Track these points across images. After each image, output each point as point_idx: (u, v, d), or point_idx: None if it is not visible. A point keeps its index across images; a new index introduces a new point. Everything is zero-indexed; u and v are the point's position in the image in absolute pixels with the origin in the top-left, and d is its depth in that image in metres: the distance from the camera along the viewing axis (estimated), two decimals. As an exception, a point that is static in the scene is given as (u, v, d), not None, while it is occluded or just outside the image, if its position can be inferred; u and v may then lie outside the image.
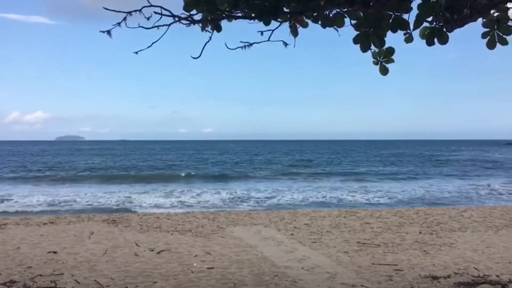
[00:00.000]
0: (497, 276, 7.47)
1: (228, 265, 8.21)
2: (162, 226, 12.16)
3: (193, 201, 22.02)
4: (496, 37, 4.23)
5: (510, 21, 4.21)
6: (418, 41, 4.23)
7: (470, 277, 7.43)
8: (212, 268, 7.98)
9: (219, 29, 4.54)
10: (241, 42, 4.69)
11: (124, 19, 4.24)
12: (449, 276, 7.45)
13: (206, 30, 4.57)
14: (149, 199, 22.61)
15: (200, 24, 4.50)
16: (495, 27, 4.19)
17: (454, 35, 3.98)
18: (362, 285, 6.98)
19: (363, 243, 10.14)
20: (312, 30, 4.62)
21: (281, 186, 29.62)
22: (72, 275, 7.51)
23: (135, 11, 4.24)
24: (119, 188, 28.12)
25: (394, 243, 10.13)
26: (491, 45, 4.27)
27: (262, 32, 4.64)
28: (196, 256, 8.88)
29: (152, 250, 9.34)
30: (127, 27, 4.25)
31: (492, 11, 3.98)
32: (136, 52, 4.67)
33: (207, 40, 4.61)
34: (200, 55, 4.69)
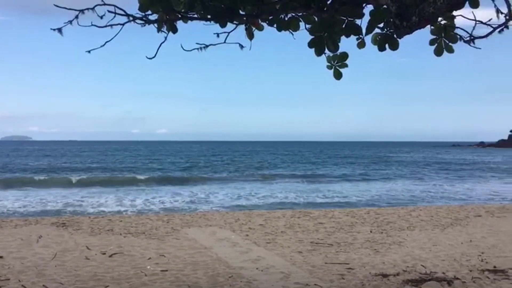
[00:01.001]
0: (443, 273, 7.79)
1: (182, 267, 8.15)
2: (114, 229, 11.90)
3: (148, 203, 21.63)
4: (443, 45, 4.44)
5: (456, 29, 4.44)
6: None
7: (418, 274, 7.72)
8: (166, 270, 7.89)
9: (174, 30, 4.52)
10: (197, 43, 4.70)
11: (76, 17, 4.14)
12: (398, 274, 7.70)
13: (162, 31, 4.54)
14: (101, 201, 22.04)
15: (156, 25, 4.46)
16: (442, 34, 4.40)
17: (406, 41, 4.14)
18: (315, 284, 7.10)
19: (316, 243, 10.32)
20: (268, 31, 4.66)
21: (236, 187, 29.67)
22: (19, 280, 7.22)
23: (88, 9, 4.15)
24: (69, 190, 27.27)
25: (346, 243, 10.37)
26: (438, 52, 4.47)
27: (218, 34, 4.66)
28: (149, 258, 8.75)
29: (104, 253, 9.13)
30: (79, 25, 4.16)
31: (439, 19, 4.18)
32: (89, 51, 4.57)
33: (163, 40, 4.59)
34: (155, 55, 4.65)
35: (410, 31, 3.62)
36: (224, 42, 4.72)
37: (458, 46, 4.39)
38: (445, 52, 4.41)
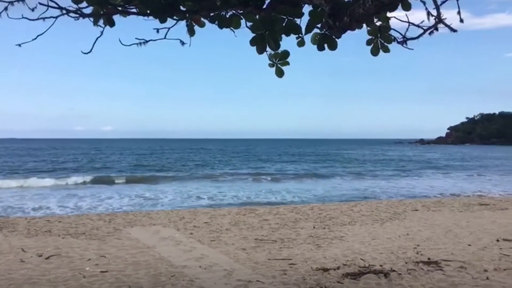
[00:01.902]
0: (381, 265, 8.08)
1: (123, 267, 7.98)
2: (52, 230, 11.47)
3: (94, 204, 20.87)
4: (379, 45, 4.60)
5: (392, 31, 4.61)
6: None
7: (357, 267, 7.96)
8: (106, 271, 7.70)
9: (112, 24, 4.39)
10: (136, 38, 4.60)
11: (5, 9, 3.95)
12: (338, 268, 7.92)
13: (98, 25, 4.41)
14: (42, 204, 21.08)
15: (91, 18, 4.32)
16: (378, 35, 4.55)
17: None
18: (257, 281, 7.17)
19: (260, 240, 10.41)
20: (212, 28, 4.66)
21: (182, 185, 29.39)
22: None
23: (18, 1, 3.97)
24: (7, 192, 25.98)
25: (290, 238, 10.53)
26: (374, 52, 4.62)
27: (158, 30, 4.59)
28: (89, 260, 8.51)
29: (40, 256, 8.78)
30: (9, 18, 3.98)
31: (376, 20, 4.32)
32: (19, 45, 4.37)
33: (99, 35, 4.46)
34: (91, 50, 4.51)
35: (343, 31, 3.71)
36: (165, 38, 4.65)
37: (398, 47, 4.55)
38: (390, 53, 4.56)
